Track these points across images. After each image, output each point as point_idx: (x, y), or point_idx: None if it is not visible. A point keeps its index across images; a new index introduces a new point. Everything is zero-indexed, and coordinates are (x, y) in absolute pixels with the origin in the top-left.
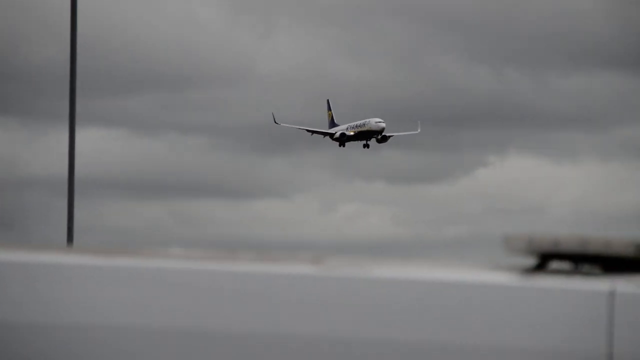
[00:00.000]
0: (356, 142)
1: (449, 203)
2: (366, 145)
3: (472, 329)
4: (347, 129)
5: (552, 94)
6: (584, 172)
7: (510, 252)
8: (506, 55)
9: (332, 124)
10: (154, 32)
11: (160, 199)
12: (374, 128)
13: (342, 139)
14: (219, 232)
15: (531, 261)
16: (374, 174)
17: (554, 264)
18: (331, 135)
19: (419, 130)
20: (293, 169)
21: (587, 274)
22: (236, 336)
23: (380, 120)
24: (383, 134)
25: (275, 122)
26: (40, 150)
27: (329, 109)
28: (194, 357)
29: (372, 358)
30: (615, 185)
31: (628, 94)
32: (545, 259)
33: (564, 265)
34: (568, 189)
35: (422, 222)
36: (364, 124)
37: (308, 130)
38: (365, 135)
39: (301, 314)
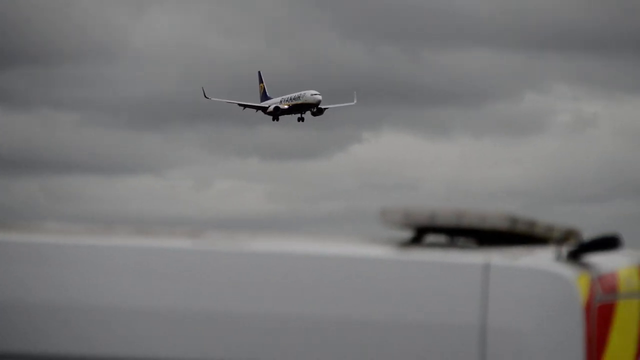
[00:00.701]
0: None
1: (324, 179)
2: (301, 119)
3: (348, 302)
4: (280, 102)
5: (426, 71)
6: (457, 148)
7: (386, 226)
8: (380, 31)
9: (265, 96)
10: (25, 6)
11: (32, 175)
12: (309, 101)
13: (276, 113)
14: (93, 209)
15: (407, 235)
16: (248, 151)
17: (430, 238)
18: (264, 109)
19: (355, 102)
20: (167, 145)
21: (463, 247)
22: (114, 310)
23: (316, 92)
24: (319, 106)
25: (205, 96)
26: None
27: (261, 81)
28: (69, 331)
29: (250, 331)
30: (488, 161)
31: (500, 71)
32: (421, 233)
33: (440, 238)
34: (441, 164)
35: (298, 198)
36: (298, 97)
37: (240, 105)
38: (300, 108)
39: (180, 287)
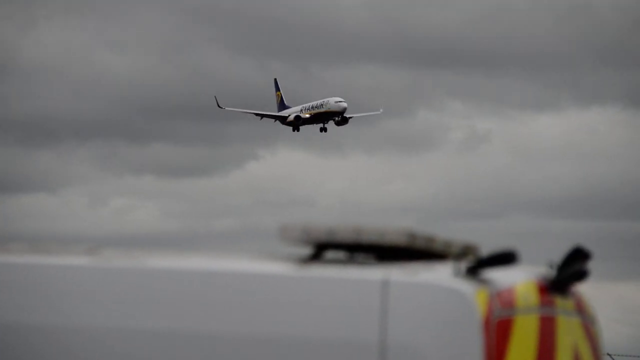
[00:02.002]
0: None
1: (221, 196)
2: (323, 129)
3: (247, 318)
4: (301, 110)
5: (317, 86)
6: (351, 164)
7: (285, 242)
8: (270, 47)
9: (282, 105)
10: None
11: None
12: (333, 109)
13: (298, 122)
14: None
15: (306, 251)
16: (142, 168)
17: (329, 254)
18: (283, 118)
19: (381, 111)
20: (60, 163)
21: (362, 263)
22: (8, 327)
23: (340, 99)
24: (344, 115)
25: (218, 106)
26: None
27: (277, 89)
28: None
29: (148, 347)
30: (382, 178)
31: (393, 88)
32: (320, 249)
33: (339, 254)
34: (336, 181)
35: (194, 216)
36: (321, 105)
37: (257, 114)
38: (323, 117)
39: (77, 304)
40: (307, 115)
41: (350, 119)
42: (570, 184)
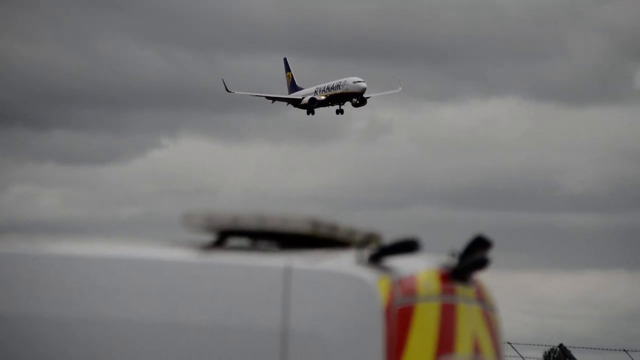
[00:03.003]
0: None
1: (123, 184)
2: (340, 111)
3: (150, 304)
4: (315, 92)
5: (221, 76)
6: (255, 153)
7: (189, 230)
8: (174, 36)
9: (293, 87)
10: None
11: None
12: (352, 89)
13: (313, 105)
14: None
15: (210, 238)
16: (44, 155)
17: (233, 241)
18: (296, 101)
19: (400, 89)
20: None
21: (265, 250)
22: None
23: (359, 79)
24: (362, 95)
25: (226, 89)
26: None
27: (288, 69)
28: None
29: (50, 334)
30: (286, 167)
31: (296, 77)
32: (223, 236)
33: (242, 241)
34: (240, 170)
35: (95, 204)
36: (338, 86)
37: (268, 98)
38: (340, 99)
39: None
40: (323, 97)
41: (369, 99)
42: (471, 174)
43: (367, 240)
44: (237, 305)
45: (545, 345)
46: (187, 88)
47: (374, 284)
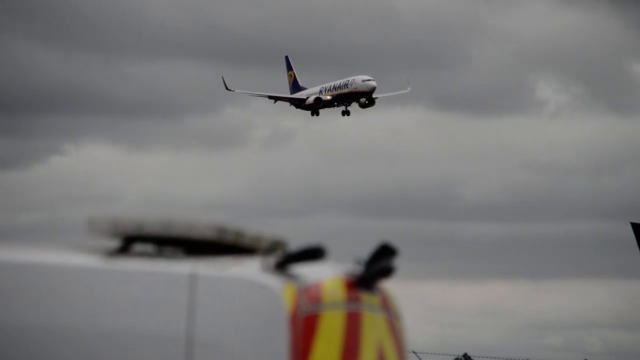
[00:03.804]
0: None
1: (24, 190)
2: (346, 112)
3: (53, 311)
4: (320, 91)
5: (124, 82)
6: (158, 160)
7: (94, 235)
8: (76, 40)
9: (296, 86)
10: None
11: None
12: (361, 89)
13: (318, 105)
14: None
15: (115, 244)
16: None
17: (138, 247)
18: (300, 101)
19: (409, 89)
20: None
21: (170, 256)
22: None
23: (369, 78)
24: (371, 95)
25: (226, 88)
26: None
27: (290, 68)
28: None
29: None
30: (189, 174)
31: (200, 84)
32: (128, 242)
33: (148, 247)
34: (143, 177)
35: None
36: (345, 85)
37: (270, 97)
38: (347, 99)
39: None
40: (328, 97)
41: (376, 100)
42: (376, 183)
43: (272, 247)
44: (142, 312)
45: (450, 355)
46: (90, 93)
47: (280, 292)
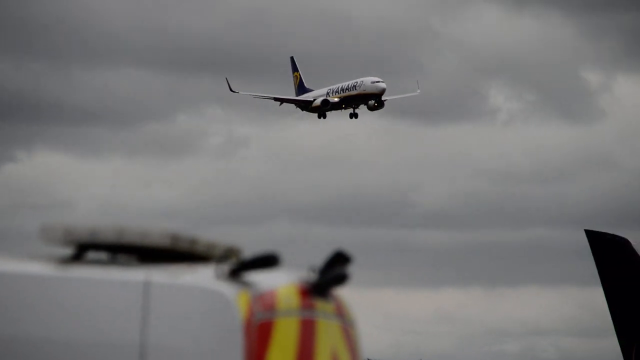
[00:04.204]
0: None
1: None
2: (353, 115)
3: (7, 319)
4: (327, 93)
5: (76, 89)
6: (110, 167)
7: (46, 243)
8: (28, 47)
9: (302, 88)
10: None
11: None
12: (370, 90)
13: (325, 108)
14: None
15: (68, 251)
16: None
17: (91, 254)
18: (306, 103)
19: (418, 91)
20: None
21: (123, 264)
22: None
23: (378, 79)
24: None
25: (230, 89)
26: None
27: (295, 69)
28: None
29: None
30: (142, 181)
31: (153, 91)
32: (82, 249)
33: (101, 255)
34: (95, 184)
35: None
36: (354, 86)
37: (276, 99)
38: (355, 101)
39: None
40: (336, 99)
41: (385, 102)
42: (328, 191)
43: (226, 254)
44: (96, 319)
45: None
46: (43, 101)
47: (234, 299)
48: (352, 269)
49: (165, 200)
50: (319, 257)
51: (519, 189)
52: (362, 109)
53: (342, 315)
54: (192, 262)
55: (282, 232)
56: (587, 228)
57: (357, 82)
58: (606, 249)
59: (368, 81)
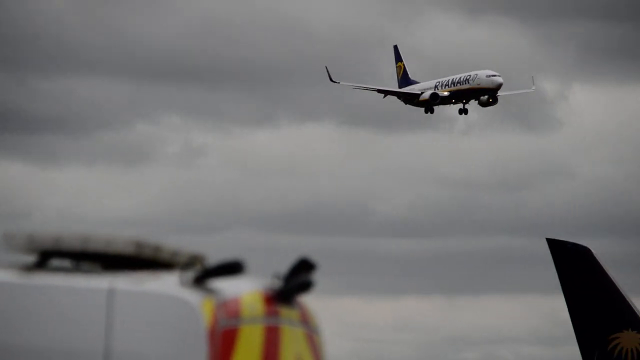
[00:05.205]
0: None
1: None
2: (463, 111)
3: None
4: (436, 87)
5: (34, 97)
6: (69, 176)
7: (9, 250)
8: None
9: (405, 80)
10: None
11: None
12: (485, 85)
13: (435, 102)
14: None
15: (31, 259)
16: None
17: (55, 262)
18: (413, 96)
19: (533, 88)
20: None
21: (88, 271)
22: None
23: (495, 73)
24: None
25: (331, 79)
26: None
27: (399, 59)
28: None
29: None
30: (101, 190)
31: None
32: (45, 257)
33: (65, 263)
34: (54, 193)
35: None
36: (466, 80)
37: (380, 91)
38: (466, 95)
39: None
40: (446, 93)
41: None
42: (289, 200)
43: (191, 262)
44: (59, 327)
45: None
46: (0, 110)
47: (198, 306)
48: (315, 277)
49: (125, 209)
50: (282, 265)
51: (480, 198)
52: (472, 105)
53: (306, 322)
54: (157, 270)
55: (243, 241)
56: (548, 237)
57: (470, 76)
58: (568, 257)
59: (483, 75)
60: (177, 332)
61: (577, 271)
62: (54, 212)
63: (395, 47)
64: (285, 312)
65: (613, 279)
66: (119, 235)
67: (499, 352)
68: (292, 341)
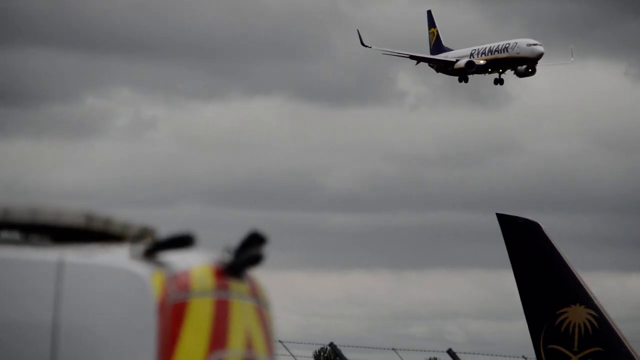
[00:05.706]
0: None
1: None
2: (499, 81)
3: None
4: (471, 54)
5: None
6: (16, 149)
7: None
8: None
9: (438, 47)
10: None
11: None
12: (524, 54)
13: (470, 70)
14: None
15: None
16: None
17: (3, 234)
18: (447, 63)
19: (572, 59)
20: None
21: (36, 244)
22: None
23: (535, 42)
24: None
25: (362, 43)
26: None
27: (432, 24)
28: None
29: None
30: (49, 163)
31: (59, 72)
32: None
33: (14, 235)
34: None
35: None
36: (505, 48)
37: (412, 57)
38: (504, 65)
39: None
40: (482, 62)
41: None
42: (237, 173)
43: (141, 234)
44: (7, 300)
45: (316, 344)
46: None
47: (148, 279)
48: (264, 252)
49: (74, 181)
50: (230, 239)
51: (428, 173)
52: (508, 74)
53: (256, 296)
54: (107, 242)
55: (192, 214)
56: (497, 212)
57: (509, 44)
58: (518, 232)
59: (523, 43)
60: (126, 305)
61: (527, 246)
62: (2, 184)
63: (429, 12)
64: (235, 285)
65: (562, 255)
66: (69, 207)
67: (447, 327)
68: (241, 315)
